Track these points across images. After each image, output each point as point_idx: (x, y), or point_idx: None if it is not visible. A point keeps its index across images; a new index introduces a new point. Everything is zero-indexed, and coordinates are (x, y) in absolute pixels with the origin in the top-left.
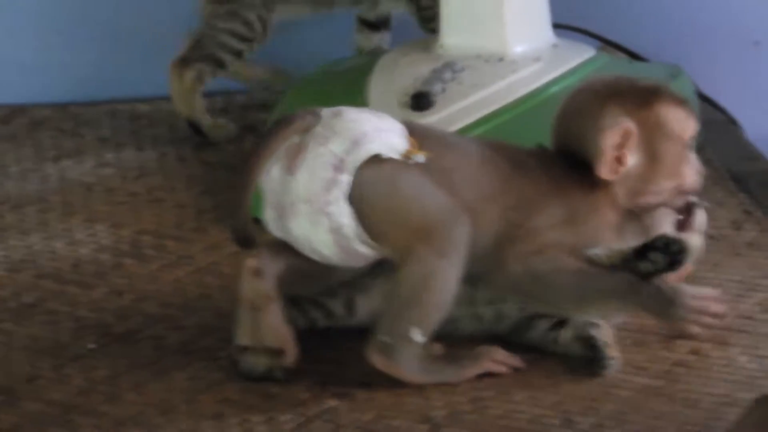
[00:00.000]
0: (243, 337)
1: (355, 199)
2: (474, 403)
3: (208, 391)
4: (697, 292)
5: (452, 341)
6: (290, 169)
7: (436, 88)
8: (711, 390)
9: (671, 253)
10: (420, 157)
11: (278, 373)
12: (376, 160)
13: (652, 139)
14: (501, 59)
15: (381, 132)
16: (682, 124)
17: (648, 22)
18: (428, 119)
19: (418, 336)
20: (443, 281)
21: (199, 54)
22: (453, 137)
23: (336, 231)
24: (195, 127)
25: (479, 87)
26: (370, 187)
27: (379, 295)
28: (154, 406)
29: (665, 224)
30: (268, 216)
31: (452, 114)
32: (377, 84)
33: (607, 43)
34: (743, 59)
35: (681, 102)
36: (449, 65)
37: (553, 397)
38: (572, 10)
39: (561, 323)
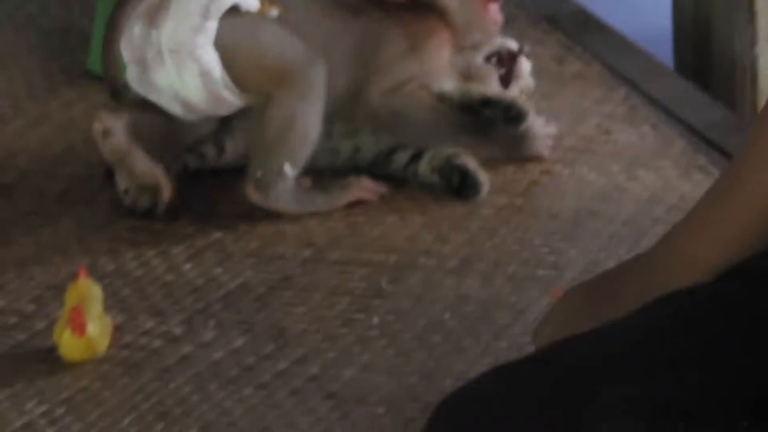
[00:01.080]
0: (122, 181)
1: (219, 46)
2: (350, 228)
3: (97, 233)
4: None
5: (318, 175)
6: (153, 22)
7: None
8: (568, 204)
9: (509, 117)
10: (274, 12)
11: (161, 207)
12: (236, 12)
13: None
14: None
15: None
16: None
17: None
18: None
19: (288, 170)
20: (305, 120)
21: None
22: None
23: (205, 75)
24: None
25: None
26: (232, 35)
27: (244, 137)
28: (48, 247)
29: (491, 80)
30: (131, 74)
31: None
32: None
33: None
34: None
35: None
36: None
37: (421, 218)
38: None
39: (418, 156)
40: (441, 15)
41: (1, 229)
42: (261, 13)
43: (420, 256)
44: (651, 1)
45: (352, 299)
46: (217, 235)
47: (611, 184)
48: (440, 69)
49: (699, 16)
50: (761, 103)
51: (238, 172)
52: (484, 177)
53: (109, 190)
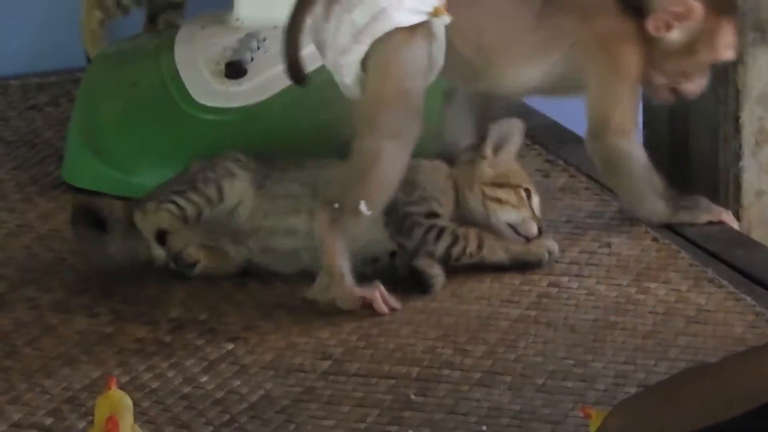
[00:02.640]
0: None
1: (363, 65)
2: (365, 340)
3: (101, 344)
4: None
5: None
6: (325, 16)
7: (246, 56)
8: (583, 316)
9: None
10: (445, 19)
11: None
12: (392, 32)
13: (699, 37)
14: None
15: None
16: (726, 49)
17: None
18: (243, 87)
19: (364, 209)
20: (389, 164)
21: None
22: None
23: (342, 85)
24: None
25: None
26: (372, 62)
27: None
28: (55, 358)
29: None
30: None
31: (265, 81)
32: (183, 56)
33: None
34: None
35: (737, 35)
36: (253, 35)
37: (436, 331)
38: None
39: (393, 253)
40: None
41: (3, 341)
42: (433, 14)
43: (443, 368)
44: None
45: (381, 411)
46: (229, 346)
47: (623, 296)
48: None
49: (675, 131)
50: (746, 216)
51: (240, 284)
52: (435, 270)
53: (108, 301)
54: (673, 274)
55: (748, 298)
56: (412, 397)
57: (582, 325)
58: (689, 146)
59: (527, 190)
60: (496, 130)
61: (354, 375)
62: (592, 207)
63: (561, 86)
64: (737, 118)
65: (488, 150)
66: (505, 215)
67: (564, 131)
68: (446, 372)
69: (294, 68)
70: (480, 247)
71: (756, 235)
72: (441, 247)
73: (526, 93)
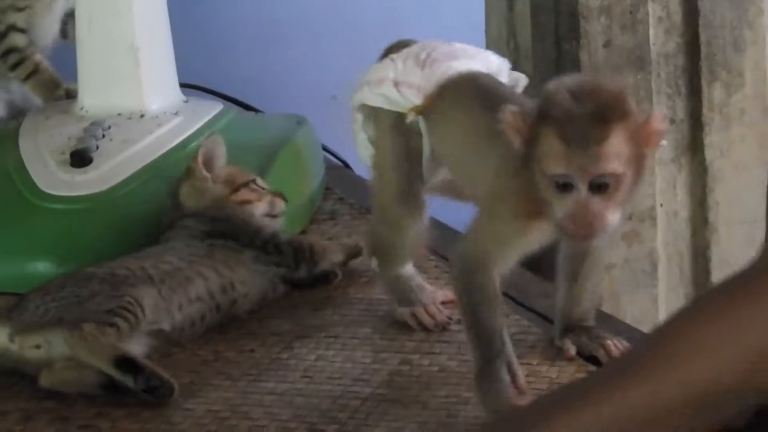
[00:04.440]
0: None
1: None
2: (217, 424)
3: None
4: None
5: None
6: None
7: (91, 145)
8: (435, 392)
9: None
10: (411, 117)
11: None
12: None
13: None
14: (142, 116)
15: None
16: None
17: (260, 78)
18: (88, 175)
19: None
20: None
21: None
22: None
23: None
24: None
25: (130, 143)
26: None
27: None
28: None
29: None
30: None
31: (111, 169)
32: (28, 146)
33: (225, 98)
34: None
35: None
36: (97, 123)
37: (288, 411)
38: (192, 70)
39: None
40: None
41: None
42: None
43: None
44: None
45: None
46: None
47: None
48: None
49: None
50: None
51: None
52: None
53: None
54: (525, 349)
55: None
56: None
57: (434, 402)
58: None
59: (253, 181)
60: (201, 151)
61: None
62: (442, 283)
63: None
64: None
65: (203, 170)
66: (259, 210)
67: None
68: None
69: None
70: (313, 248)
71: (606, 307)
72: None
73: None
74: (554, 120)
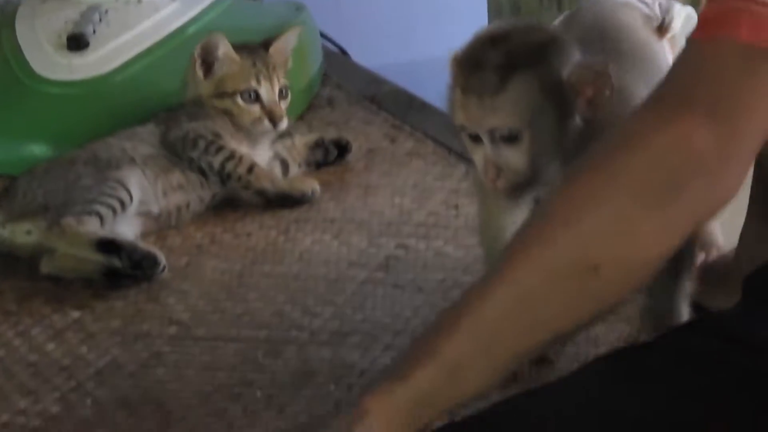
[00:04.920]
0: None
1: None
2: (213, 305)
3: None
4: None
5: None
6: None
7: (88, 29)
8: (431, 276)
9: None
10: None
11: None
12: None
13: None
14: (140, 1)
15: None
16: None
17: None
18: (86, 59)
19: None
20: None
21: None
22: None
23: None
24: None
25: (127, 27)
26: None
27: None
28: None
29: None
30: None
31: (107, 53)
32: (25, 30)
33: None
34: None
35: None
36: (95, 8)
37: (284, 295)
38: None
39: None
40: None
41: None
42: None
43: (292, 330)
44: None
45: (229, 373)
46: (75, 314)
47: (470, 257)
48: None
49: None
50: None
51: None
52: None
53: None
54: None
55: None
56: (260, 358)
57: (430, 286)
58: None
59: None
60: (200, 44)
61: (201, 339)
62: (439, 170)
63: None
64: None
65: (197, 63)
66: (242, 121)
67: (412, 98)
68: (294, 333)
69: None
70: (249, 171)
71: None
72: (218, 160)
73: None
74: (461, 67)
